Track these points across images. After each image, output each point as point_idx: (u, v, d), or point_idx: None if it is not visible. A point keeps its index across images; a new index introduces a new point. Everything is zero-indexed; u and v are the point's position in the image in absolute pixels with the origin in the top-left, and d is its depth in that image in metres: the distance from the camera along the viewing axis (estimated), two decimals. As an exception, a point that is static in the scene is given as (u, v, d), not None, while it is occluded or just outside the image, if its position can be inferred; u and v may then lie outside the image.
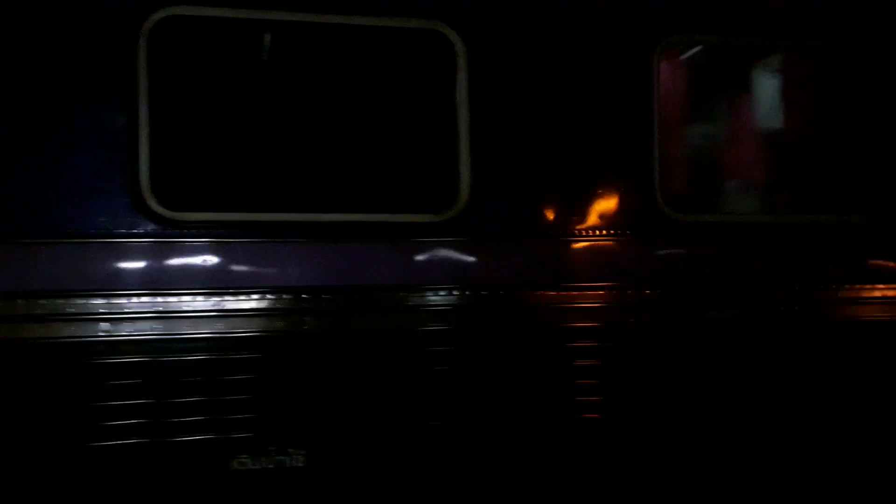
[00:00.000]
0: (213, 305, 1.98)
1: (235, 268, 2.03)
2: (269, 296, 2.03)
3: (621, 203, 2.30)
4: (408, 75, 2.25)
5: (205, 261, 2.01)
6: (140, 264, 1.98)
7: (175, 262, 1.99)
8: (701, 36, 2.48)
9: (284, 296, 2.04)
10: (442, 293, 2.13)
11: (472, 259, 2.21)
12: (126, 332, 1.93)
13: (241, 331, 2.01)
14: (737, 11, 2.45)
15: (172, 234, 1.98)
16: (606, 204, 2.30)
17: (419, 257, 2.16)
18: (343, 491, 2.08)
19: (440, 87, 2.15)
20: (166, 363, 1.96)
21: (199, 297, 1.97)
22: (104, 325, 1.92)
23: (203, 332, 1.98)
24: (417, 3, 2.11)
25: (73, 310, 1.90)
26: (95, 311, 1.92)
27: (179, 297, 1.96)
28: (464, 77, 2.13)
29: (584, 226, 2.28)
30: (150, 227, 1.96)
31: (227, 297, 1.99)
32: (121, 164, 1.94)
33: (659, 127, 2.32)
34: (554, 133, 2.24)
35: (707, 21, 2.41)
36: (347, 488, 2.08)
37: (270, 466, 2.00)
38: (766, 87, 2.83)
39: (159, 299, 1.95)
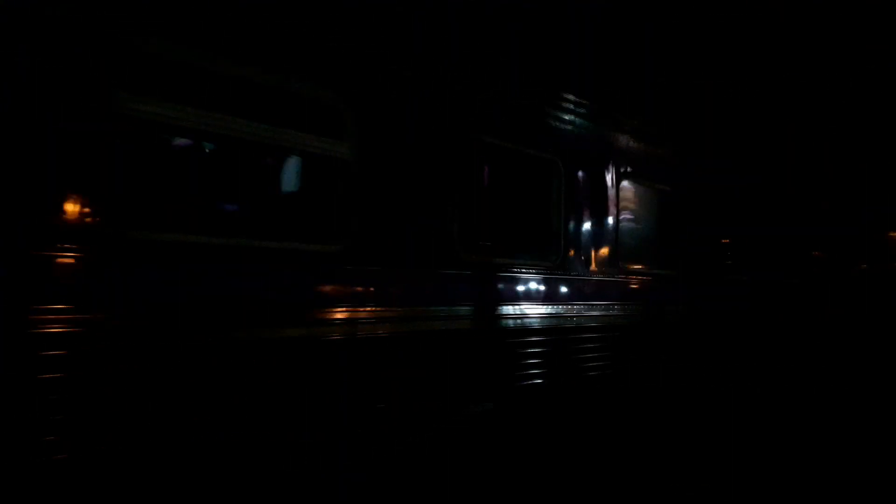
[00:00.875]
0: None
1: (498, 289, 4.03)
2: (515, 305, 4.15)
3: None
4: (545, 180, 4.56)
5: (480, 284, 3.90)
6: (454, 286, 3.75)
7: (467, 283, 3.81)
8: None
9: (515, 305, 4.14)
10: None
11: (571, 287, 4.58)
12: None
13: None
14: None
15: (468, 268, 3.84)
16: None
17: (544, 285, 4.38)
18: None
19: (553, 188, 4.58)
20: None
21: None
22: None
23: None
24: (546, 147, 4.51)
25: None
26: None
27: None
28: (562, 184, 4.56)
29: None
30: (459, 263, 3.78)
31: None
32: (446, 226, 3.74)
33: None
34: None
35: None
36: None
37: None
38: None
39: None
